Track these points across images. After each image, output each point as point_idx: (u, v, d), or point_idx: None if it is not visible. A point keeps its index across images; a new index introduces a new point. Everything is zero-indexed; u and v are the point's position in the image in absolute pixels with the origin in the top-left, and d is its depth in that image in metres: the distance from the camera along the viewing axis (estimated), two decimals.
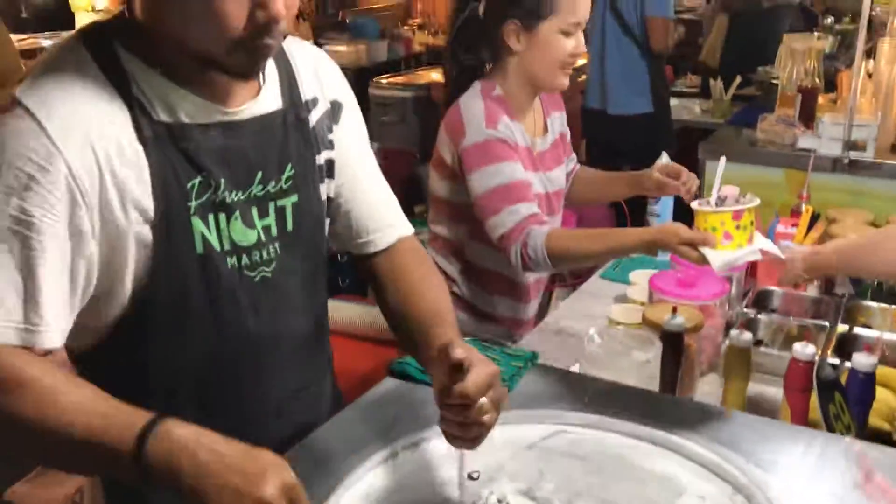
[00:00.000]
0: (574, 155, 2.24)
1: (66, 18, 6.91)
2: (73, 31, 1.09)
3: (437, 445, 1.22)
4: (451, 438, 1.06)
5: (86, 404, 0.94)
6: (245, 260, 1.13)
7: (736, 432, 1.24)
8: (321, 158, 1.22)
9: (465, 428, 1.03)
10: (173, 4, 0.99)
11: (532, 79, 1.90)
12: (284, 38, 1.07)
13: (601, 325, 1.75)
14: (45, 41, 6.55)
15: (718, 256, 1.49)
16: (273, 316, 1.18)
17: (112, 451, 0.91)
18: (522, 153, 1.92)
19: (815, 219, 2.25)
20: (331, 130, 1.24)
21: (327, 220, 1.27)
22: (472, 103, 1.87)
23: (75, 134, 0.98)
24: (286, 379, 1.24)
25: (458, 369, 1.00)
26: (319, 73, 1.24)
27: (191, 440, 0.91)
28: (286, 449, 1.19)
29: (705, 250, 1.51)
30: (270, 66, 1.15)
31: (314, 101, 1.21)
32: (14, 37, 5.14)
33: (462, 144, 1.86)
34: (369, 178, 1.31)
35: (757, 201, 1.52)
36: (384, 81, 5.62)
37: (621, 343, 1.55)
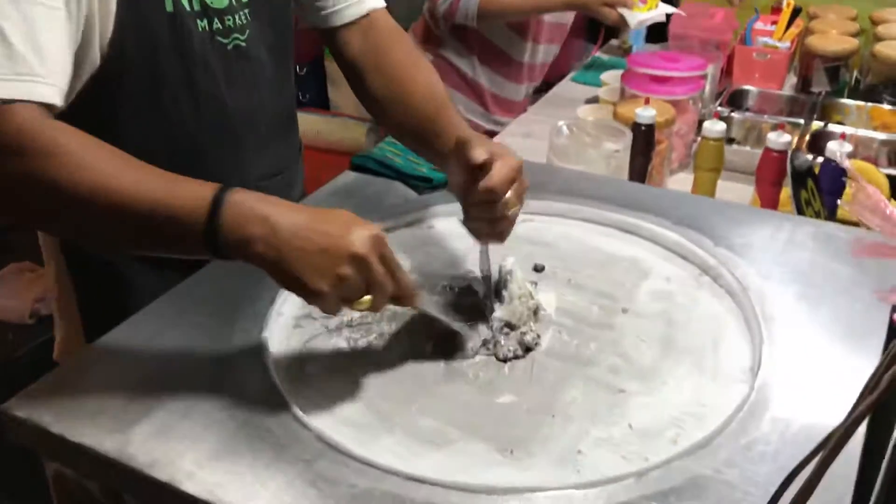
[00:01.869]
0: None
1: None
2: None
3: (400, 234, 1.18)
4: (479, 234, 1.04)
5: (145, 180, 0.83)
6: (217, 24, 1.06)
7: (704, 217, 1.21)
8: None
9: (493, 224, 1.01)
10: None
11: None
12: None
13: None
14: None
15: (634, 16, 1.81)
16: (248, 90, 1.13)
17: (181, 225, 0.82)
18: None
19: (796, 14, 2.15)
20: None
21: None
22: None
23: None
24: (263, 160, 1.20)
25: (482, 167, 0.96)
26: None
27: (263, 206, 0.82)
28: None
29: (623, 10, 1.81)
30: None
31: None
32: None
33: None
34: None
35: None
36: None
37: (590, 135, 1.49)
